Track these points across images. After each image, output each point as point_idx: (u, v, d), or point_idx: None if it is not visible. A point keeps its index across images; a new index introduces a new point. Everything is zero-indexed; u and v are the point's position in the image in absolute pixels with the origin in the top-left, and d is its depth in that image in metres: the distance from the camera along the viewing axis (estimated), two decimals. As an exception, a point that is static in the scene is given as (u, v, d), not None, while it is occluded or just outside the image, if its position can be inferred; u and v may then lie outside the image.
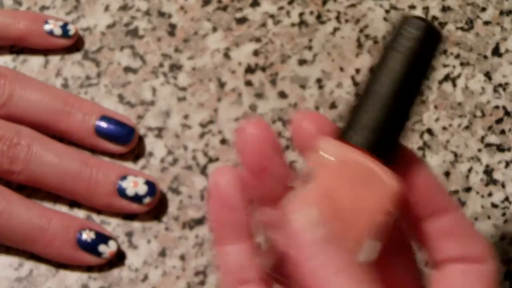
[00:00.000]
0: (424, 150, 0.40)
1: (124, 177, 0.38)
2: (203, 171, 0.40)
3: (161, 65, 0.42)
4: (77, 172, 0.37)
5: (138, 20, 0.43)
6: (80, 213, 0.39)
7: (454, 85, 0.41)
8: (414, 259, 0.30)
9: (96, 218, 0.39)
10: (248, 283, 0.28)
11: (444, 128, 0.40)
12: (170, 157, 0.40)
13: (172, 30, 0.43)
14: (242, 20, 0.43)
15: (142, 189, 0.38)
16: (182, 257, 0.38)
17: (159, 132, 0.41)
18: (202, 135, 0.41)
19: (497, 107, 0.41)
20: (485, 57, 0.42)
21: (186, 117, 0.41)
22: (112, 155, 0.40)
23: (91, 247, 0.37)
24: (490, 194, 0.39)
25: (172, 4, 0.43)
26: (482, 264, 0.28)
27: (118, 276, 0.38)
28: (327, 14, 0.43)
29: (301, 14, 0.43)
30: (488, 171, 0.39)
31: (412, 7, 0.43)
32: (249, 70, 0.42)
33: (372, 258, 0.26)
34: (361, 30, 0.42)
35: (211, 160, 0.40)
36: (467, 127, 0.41)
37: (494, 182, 0.39)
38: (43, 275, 0.38)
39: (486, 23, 0.42)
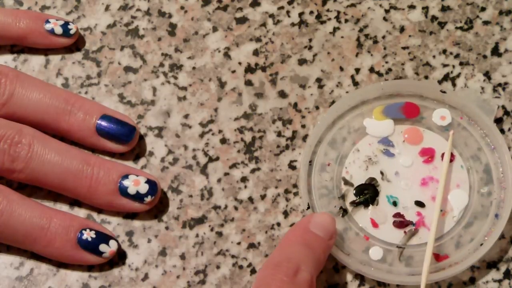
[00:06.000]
0: (424, 150, 0.40)
1: (125, 176, 0.38)
2: (203, 170, 0.40)
3: (161, 64, 0.42)
4: (78, 171, 0.37)
5: (138, 20, 0.43)
6: (81, 213, 0.39)
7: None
8: None
9: (97, 217, 0.39)
10: None
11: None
12: (170, 156, 0.40)
13: (172, 30, 0.43)
14: (242, 20, 0.43)
15: (143, 187, 0.38)
16: (182, 256, 0.38)
17: (160, 131, 0.41)
18: (202, 135, 0.41)
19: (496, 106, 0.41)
20: (485, 56, 0.42)
21: (186, 116, 0.41)
22: (112, 154, 0.40)
23: (91, 247, 0.37)
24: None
25: (172, 4, 0.43)
26: None
27: (118, 275, 0.38)
28: (327, 14, 0.43)
29: (301, 14, 0.43)
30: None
31: (412, 7, 0.43)
32: (249, 69, 0.42)
33: None
34: (361, 30, 0.42)
35: (211, 159, 0.40)
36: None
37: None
38: (44, 274, 0.38)
39: (486, 23, 0.43)
